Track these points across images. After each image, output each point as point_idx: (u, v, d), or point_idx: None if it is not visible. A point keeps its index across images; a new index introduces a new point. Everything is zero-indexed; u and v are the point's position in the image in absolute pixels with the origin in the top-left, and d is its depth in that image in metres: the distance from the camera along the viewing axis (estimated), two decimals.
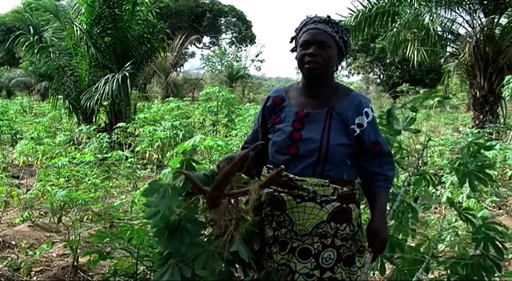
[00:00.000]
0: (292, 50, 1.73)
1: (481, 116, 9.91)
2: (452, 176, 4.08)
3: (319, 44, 1.62)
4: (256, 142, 1.79)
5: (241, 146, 1.92)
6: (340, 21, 1.79)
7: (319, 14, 1.71)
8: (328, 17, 1.69)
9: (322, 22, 1.65)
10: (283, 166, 1.56)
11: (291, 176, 1.61)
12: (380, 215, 1.65)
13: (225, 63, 29.19)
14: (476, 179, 1.87)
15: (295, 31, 1.72)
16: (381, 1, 10.03)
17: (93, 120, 8.88)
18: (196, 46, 32.14)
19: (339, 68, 1.75)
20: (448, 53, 11.55)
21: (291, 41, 1.74)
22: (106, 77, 8.00)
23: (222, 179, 1.54)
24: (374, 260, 1.64)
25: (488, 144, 2.00)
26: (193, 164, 1.87)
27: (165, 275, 1.56)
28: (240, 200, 1.68)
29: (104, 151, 6.04)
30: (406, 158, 2.10)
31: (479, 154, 1.89)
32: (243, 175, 1.68)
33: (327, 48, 1.63)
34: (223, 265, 1.56)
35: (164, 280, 1.56)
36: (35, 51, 8.48)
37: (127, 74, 7.83)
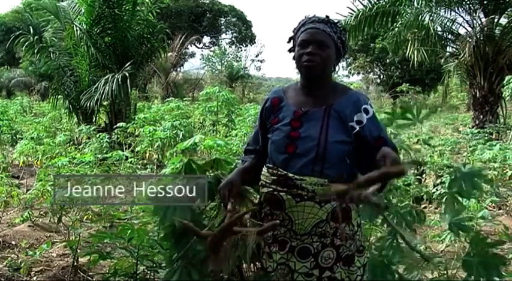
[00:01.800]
0: (290, 50, 1.72)
1: (481, 116, 9.92)
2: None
3: (317, 43, 1.62)
4: (257, 144, 1.80)
5: (243, 149, 1.91)
6: (339, 21, 1.76)
7: (319, 13, 1.71)
8: (327, 16, 1.69)
9: (320, 22, 1.65)
10: (278, 221, 1.57)
11: (290, 175, 1.61)
12: (388, 149, 1.45)
13: (225, 63, 29.19)
14: (469, 183, 1.71)
15: (293, 31, 1.72)
16: (381, 1, 10.03)
17: (93, 120, 8.88)
18: (196, 46, 32.17)
19: (337, 68, 1.74)
20: (448, 53, 11.56)
21: (288, 41, 1.73)
22: (106, 77, 8.00)
23: (221, 234, 1.54)
24: (381, 189, 1.41)
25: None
26: (195, 166, 1.89)
27: (174, 275, 1.58)
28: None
29: (104, 151, 6.03)
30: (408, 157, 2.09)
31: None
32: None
33: (326, 48, 1.63)
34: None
35: (174, 279, 1.58)
36: (35, 51, 8.49)
37: (127, 74, 7.83)
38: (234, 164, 2.07)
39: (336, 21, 1.70)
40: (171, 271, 1.62)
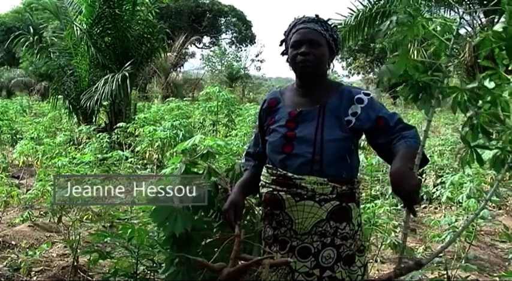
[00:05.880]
0: (283, 53, 1.72)
1: None
2: (452, 176, 4.08)
3: (310, 42, 1.62)
4: (257, 146, 1.81)
5: (244, 153, 1.90)
6: (328, 18, 1.75)
7: (318, 14, 1.71)
8: (317, 15, 1.69)
9: (310, 21, 1.66)
10: (291, 260, 1.55)
11: (289, 174, 1.61)
12: (401, 161, 1.44)
13: (225, 63, 29.23)
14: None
15: (285, 34, 1.71)
16: (381, 1, 10.03)
17: (93, 120, 8.90)
18: (196, 46, 32.22)
19: (332, 66, 1.73)
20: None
21: (280, 44, 1.73)
22: (106, 77, 8.01)
23: (239, 272, 1.49)
24: (413, 214, 1.40)
25: None
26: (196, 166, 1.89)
27: (178, 276, 1.58)
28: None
29: (104, 151, 6.03)
30: None
31: None
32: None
33: (318, 47, 1.63)
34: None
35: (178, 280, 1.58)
36: (35, 51, 8.51)
37: (127, 74, 7.83)
38: (233, 164, 2.07)
39: (326, 19, 1.70)
40: (173, 273, 1.62)
